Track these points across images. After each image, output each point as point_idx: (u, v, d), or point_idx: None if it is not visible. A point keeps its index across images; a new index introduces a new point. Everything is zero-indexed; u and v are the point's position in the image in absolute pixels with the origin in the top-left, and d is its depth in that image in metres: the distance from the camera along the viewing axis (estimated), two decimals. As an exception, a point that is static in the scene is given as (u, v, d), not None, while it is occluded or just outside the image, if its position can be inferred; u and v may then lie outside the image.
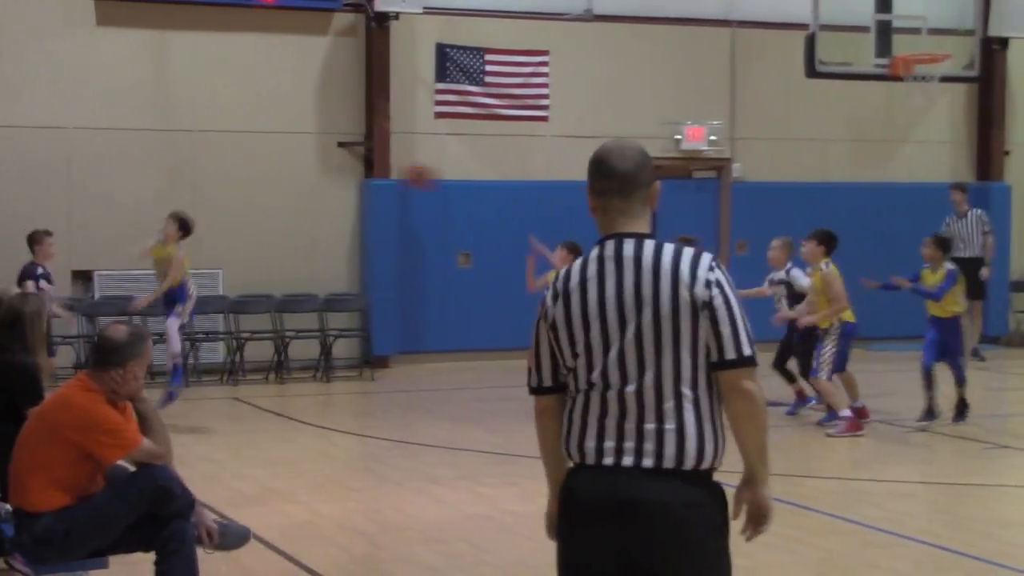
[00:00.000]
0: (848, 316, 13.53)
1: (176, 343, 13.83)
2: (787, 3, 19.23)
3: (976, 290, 19.12)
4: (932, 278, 13.77)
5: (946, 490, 10.96)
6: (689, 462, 4.18)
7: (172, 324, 13.76)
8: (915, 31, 18.75)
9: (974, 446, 12.83)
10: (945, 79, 18.90)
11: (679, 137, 19.52)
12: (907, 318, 19.81)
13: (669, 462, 4.17)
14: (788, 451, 12.42)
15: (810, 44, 18.20)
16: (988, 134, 20.79)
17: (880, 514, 9.90)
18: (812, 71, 18.31)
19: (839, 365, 13.44)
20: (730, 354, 4.19)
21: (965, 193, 19.14)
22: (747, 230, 19.76)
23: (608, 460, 4.21)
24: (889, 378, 16.61)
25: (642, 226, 4.34)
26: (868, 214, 20.14)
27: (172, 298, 13.77)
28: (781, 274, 14.38)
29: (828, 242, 13.66)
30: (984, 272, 19.05)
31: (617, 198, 4.34)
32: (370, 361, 17.98)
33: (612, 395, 4.23)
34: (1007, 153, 20.91)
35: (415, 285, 18.46)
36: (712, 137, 19.61)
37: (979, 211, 19.05)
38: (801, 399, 14.35)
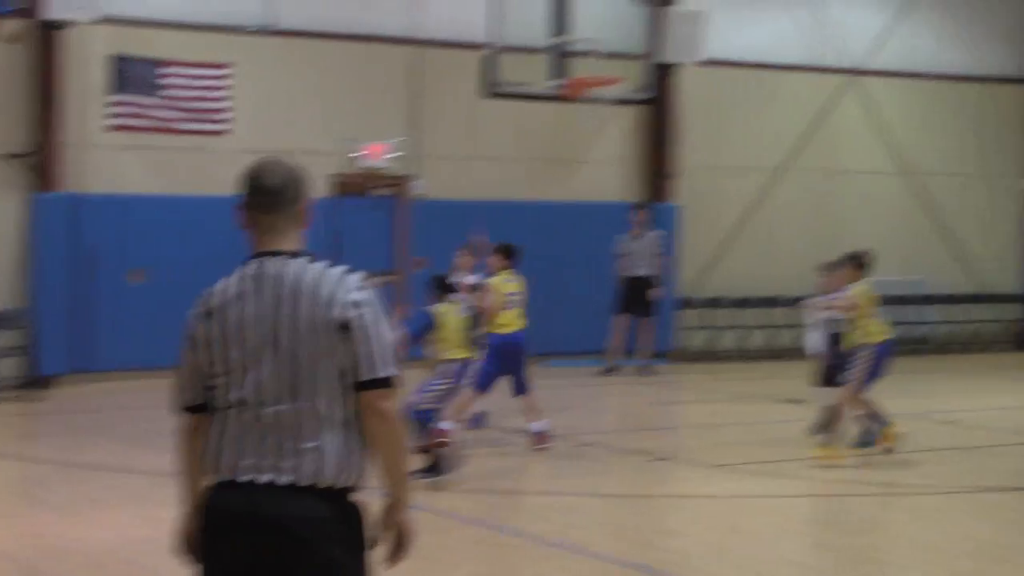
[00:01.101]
0: (498, 328, 13.02)
1: None
2: (468, 24, 19.49)
3: (645, 308, 19.78)
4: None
5: (611, 502, 11.28)
6: (326, 480, 4.21)
7: None
8: (589, 54, 19.27)
9: (639, 459, 13.23)
10: (617, 101, 19.51)
11: (359, 154, 19.52)
12: (581, 334, 20.41)
13: (306, 480, 4.19)
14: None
15: (488, 64, 18.52)
16: (659, 155, 21.53)
17: (546, 527, 10.11)
18: (490, 91, 18.64)
19: (480, 382, 12.77)
20: (366, 375, 4.22)
21: (647, 213, 19.77)
22: (428, 248, 19.91)
23: (246, 477, 4.22)
24: (563, 393, 16.96)
25: (290, 243, 4.33)
26: (546, 232, 20.56)
27: None
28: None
29: (504, 253, 13.53)
30: (654, 292, 19.70)
31: (264, 214, 4.32)
32: (36, 381, 17.31)
33: (253, 414, 4.24)
34: (676, 175, 21.69)
35: (86, 302, 17.89)
36: (393, 155, 19.69)
37: (655, 232, 19.70)
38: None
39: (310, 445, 4.19)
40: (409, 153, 19.87)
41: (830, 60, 22.85)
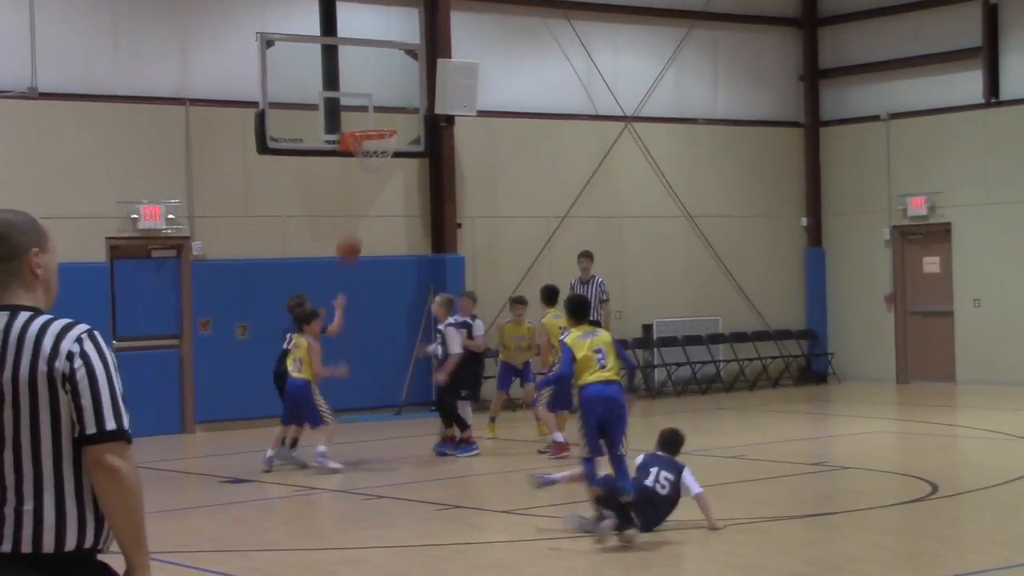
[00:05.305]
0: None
1: None
2: (239, 81, 19.32)
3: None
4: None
5: (398, 552, 11.12)
6: (48, 545, 3.98)
7: None
8: (363, 109, 19.25)
9: (430, 508, 13.12)
10: (395, 155, 19.48)
11: (136, 216, 19.11)
12: (370, 388, 20.23)
13: (27, 546, 3.97)
14: (242, 524, 12.27)
15: (260, 121, 18.35)
16: (441, 207, 21.53)
17: (332, 582, 9.92)
18: (263, 147, 18.45)
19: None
20: (90, 428, 4.00)
21: (591, 260, 19.57)
22: (210, 308, 19.59)
23: None
24: (356, 448, 16.78)
25: (20, 297, 4.14)
26: (329, 289, 20.33)
27: None
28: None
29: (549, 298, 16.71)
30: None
31: None
32: None
33: None
34: (459, 225, 21.72)
35: None
36: (170, 216, 19.32)
37: (601, 279, 19.46)
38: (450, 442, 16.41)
39: (28, 507, 3.98)
40: (187, 213, 19.54)
41: (604, 108, 23.22)
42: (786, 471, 14.89)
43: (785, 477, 14.59)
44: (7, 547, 3.96)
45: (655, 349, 23.62)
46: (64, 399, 3.99)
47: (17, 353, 4.03)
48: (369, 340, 20.45)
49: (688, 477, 11.11)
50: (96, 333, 4.09)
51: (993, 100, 23.20)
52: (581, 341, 11.10)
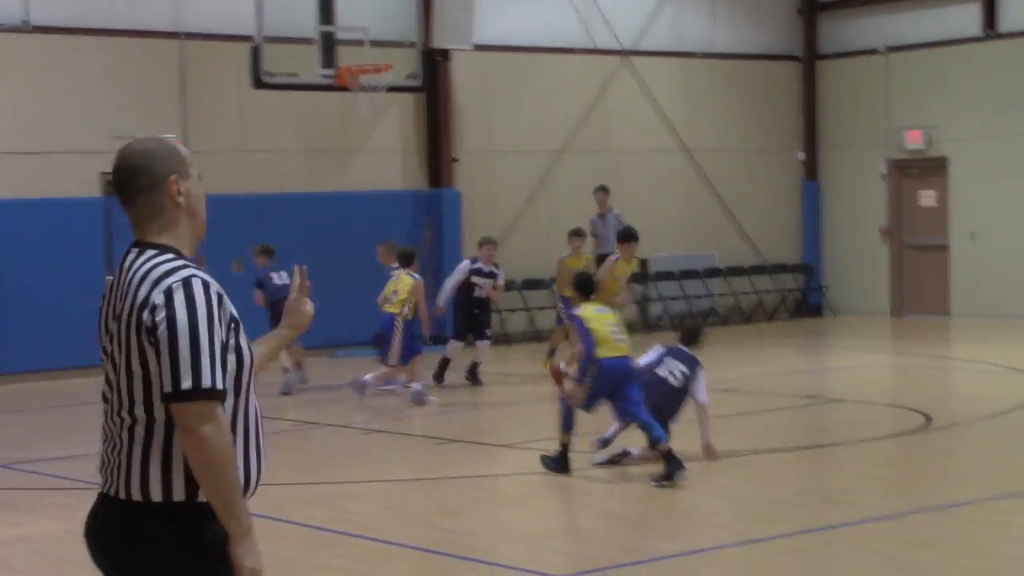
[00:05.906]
0: None
1: None
2: (233, 15, 19.19)
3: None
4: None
5: (395, 486, 11.21)
6: (156, 494, 3.89)
7: None
8: (359, 43, 19.16)
9: (427, 442, 13.20)
10: (391, 89, 19.41)
11: (131, 152, 19.03)
12: (367, 324, 20.25)
13: (123, 492, 3.92)
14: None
15: (255, 56, 18.26)
16: (437, 142, 21.48)
17: (330, 515, 10.00)
18: (259, 82, 18.38)
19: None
20: (167, 386, 3.80)
21: (607, 194, 19.56)
22: (206, 243, 19.54)
23: (100, 485, 4.03)
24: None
25: (156, 234, 3.97)
26: (324, 223, 20.39)
27: None
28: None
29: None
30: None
31: (124, 205, 4.03)
32: None
33: (104, 418, 4.02)
34: (456, 160, 21.68)
35: None
36: (166, 151, 19.23)
37: (618, 212, 19.46)
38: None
39: (136, 454, 3.89)
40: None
41: (602, 42, 23.11)
42: (781, 404, 14.97)
43: (780, 410, 14.67)
44: (122, 493, 3.92)
45: (652, 283, 23.66)
46: (150, 351, 3.84)
47: (123, 297, 3.91)
48: (364, 276, 20.44)
49: (700, 380, 11.10)
50: (196, 281, 3.82)
51: (991, 33, 23.11)
52: (597, 314, 11.10)
